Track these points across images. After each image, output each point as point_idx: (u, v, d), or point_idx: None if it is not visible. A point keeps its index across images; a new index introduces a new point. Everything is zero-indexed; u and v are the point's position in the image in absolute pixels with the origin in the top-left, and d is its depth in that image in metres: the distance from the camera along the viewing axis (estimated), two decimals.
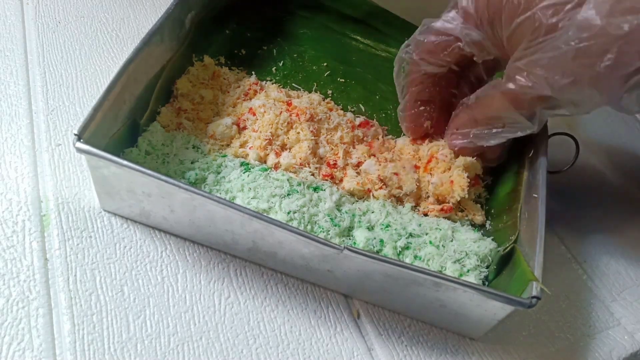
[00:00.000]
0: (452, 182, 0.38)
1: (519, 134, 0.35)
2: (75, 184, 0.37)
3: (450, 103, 0.40)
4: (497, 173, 0.41)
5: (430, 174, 0.39)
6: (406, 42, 0.38)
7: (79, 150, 0.30)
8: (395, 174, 0.38)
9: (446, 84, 0.38)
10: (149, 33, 0.37)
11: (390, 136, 0.43)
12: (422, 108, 0.38)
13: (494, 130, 0.35)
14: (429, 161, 0.39)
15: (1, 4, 0.47)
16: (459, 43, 0.34)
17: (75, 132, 0.30)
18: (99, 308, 0.31)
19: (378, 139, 0.42)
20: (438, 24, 0.35)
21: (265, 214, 0.31)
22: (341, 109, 0.44)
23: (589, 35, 0.28)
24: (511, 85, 0.32)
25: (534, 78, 0.31)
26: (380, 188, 0.38)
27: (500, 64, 0.39)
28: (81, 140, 0.30)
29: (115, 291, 0.32)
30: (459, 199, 0.38)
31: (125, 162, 0.30)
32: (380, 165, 0.39)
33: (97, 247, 0.34)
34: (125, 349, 0.30)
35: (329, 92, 0.46)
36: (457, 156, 0.39)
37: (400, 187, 0.38)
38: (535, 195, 0.35)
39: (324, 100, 0.44)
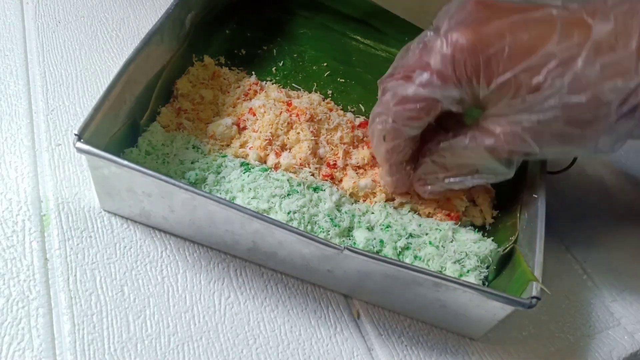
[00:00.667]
0: (449, 199, 0.38)
1: (493, 180, 0.34)
2: (75, 184, 0.37)
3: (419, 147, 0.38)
4: None
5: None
6: (376, 111, 0.35)
7: (79, 150, 0.30)
8: None
9: (420, 135, 0.37)
10: (149, 33, 0.37)
11: None
12: (407, 168, 0.37)
13: (468, 178, 0.35)
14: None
15: (1, 4, 0.47)
16: (439, 103, 0.33)
17: (76, 132, 0.30)
18: (99, 308, 0.31)
19: None
20: (411, 90, 0.32)
21: (265, 214, 0.31)
22: (341, 109, 0.44)
23: (580, 103, 0.29)
24: (494, 142, 0.32)
25: (521, 137, 0.31)
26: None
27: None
28: (81, 140, 0.30)
29: (116, 291, 0.32)
30: (463, 209, 0.38)
31: (125, 162, 0.30)
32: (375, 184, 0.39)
33: (97, 247, 0.34)
34: (125, 349, 0.30)
35: (329, 92, 0.45)
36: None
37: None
38: (535, 196, 0.35)
39: (324, 101, 0.44)
